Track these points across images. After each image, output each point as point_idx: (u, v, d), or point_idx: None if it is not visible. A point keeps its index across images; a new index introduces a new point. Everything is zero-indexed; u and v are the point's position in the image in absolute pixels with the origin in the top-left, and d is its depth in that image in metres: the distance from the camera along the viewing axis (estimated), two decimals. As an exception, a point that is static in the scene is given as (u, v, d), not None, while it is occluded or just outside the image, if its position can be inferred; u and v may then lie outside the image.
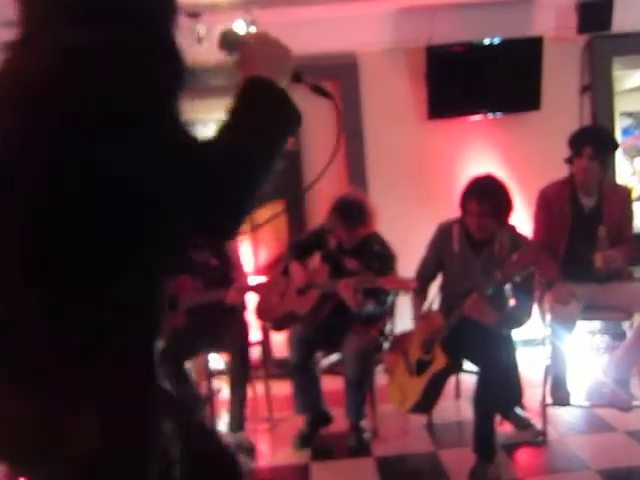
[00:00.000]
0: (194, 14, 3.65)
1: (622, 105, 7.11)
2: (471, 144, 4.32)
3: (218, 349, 3.28)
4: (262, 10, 3.62)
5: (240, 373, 3.08)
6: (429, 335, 2.73)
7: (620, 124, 7.97)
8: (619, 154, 4.80)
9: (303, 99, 4.31)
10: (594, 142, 2.95)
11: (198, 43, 3.69)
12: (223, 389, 3.54)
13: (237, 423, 3.02)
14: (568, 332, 2.90)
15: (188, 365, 3.08)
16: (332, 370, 3.27)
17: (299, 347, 3.04)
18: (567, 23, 4.00)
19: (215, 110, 4.24)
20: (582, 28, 3.96)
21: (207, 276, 3.17)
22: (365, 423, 3.03)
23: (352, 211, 2.98)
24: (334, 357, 3.25)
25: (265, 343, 3.53)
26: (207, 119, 4.25)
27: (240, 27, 3.63)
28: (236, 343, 3.11)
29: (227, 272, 3.24)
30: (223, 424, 3.14)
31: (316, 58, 3.99)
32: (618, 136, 5.10)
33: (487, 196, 2.65)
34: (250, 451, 2.99)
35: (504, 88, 4.14)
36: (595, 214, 3.03)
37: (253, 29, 3.63)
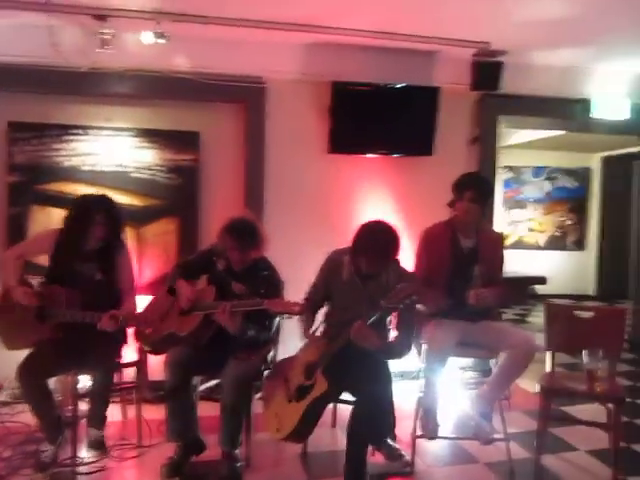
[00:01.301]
0: (100, 16, 3.52)
1: (504, 159, 7.79)
2: (367, 180, 4.50)
3: (85, 368, 3.04)
4: (172, 23, 3.56)
5: (101, 390, 3.02)
6: (312, 361, 2.76)
7: (501, 176, 8.71)
8: (498, 204, 5.20)
9: (202, 114, 4.37)
10: (475, 187, 3.21)
11: (102, 47, 3.55)
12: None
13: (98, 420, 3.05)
14: (441, 367, 3.06)
15: (53, 384, 2.89)
16: (209, 396, 3.18)
17: (176, 370, 2.93)
18: (462, 79, 4.31)
19: (118, 117, 4.11)
20: (475, 85, 4.30)
21: (89, 291, 2.98)
22: (239, 452, 2.96)
23: (245, 232, 2.98)
24: (213, 382, 3.18)
25: (141, 364, 3.37)
26: (101, 127, 4.09)
27: (147, 38, 3.55)
28: (103, 361, 2.98)
29: (112, 289, 3.10)
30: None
31: (224, 78, 4.01)
32: (499, 187, 5.53)
33: (377, 247, 2.73)
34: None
35: (402, 131, 4.36)
36: (472, 254, 3.26)
37: (162, 41, 3.57)
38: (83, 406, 3.15)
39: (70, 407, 3.06)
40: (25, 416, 3.58)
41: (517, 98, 4.60)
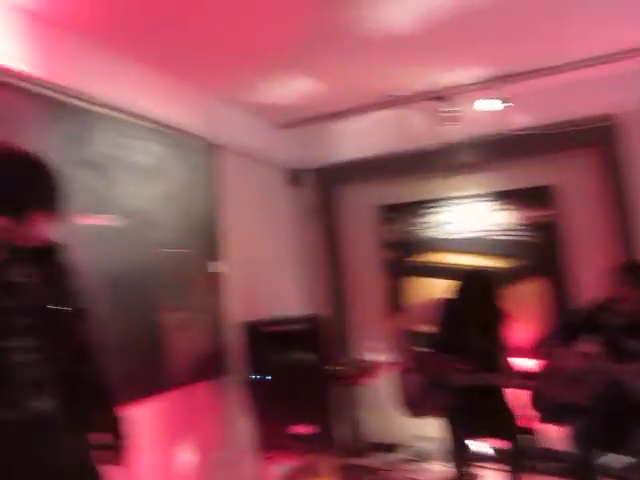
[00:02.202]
0: (441, 97, 3.84)
1: None
2: None
3: (487, 433, 3.14)
4: (507, 84, 3.63)
5: (517, 463, 2.95)
6: None
7: None
8: None
9: (551, 167, 4.06)
10: None
11: (446, 124, 3.84)
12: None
13: None
14: None
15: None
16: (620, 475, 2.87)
17: (582, 442, 2.73)
18: None
19: (469, 185, 4.33)
20: None
21: (476, 359, 3.08)
22: None
23: None
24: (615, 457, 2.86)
25: (534, 431, 3.25)
26: (456, 196, 4.34)
27: (489, 105, 3.68)
28: (509, 429, 2.97)
29: (496, 355, 3.14)
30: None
31: (568, 124, 3.80)
32: None
33: None
34: None
35: None
36: None
37: (500, 104, 3.66)
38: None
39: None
40: (429, 474, 3.83)
41: None
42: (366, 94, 3.82)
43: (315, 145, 4.65)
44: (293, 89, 3.61)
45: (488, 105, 3.71)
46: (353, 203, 4.74)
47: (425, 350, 3.30)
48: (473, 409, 2.97)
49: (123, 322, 2.69)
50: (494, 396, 3.04)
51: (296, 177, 4.75)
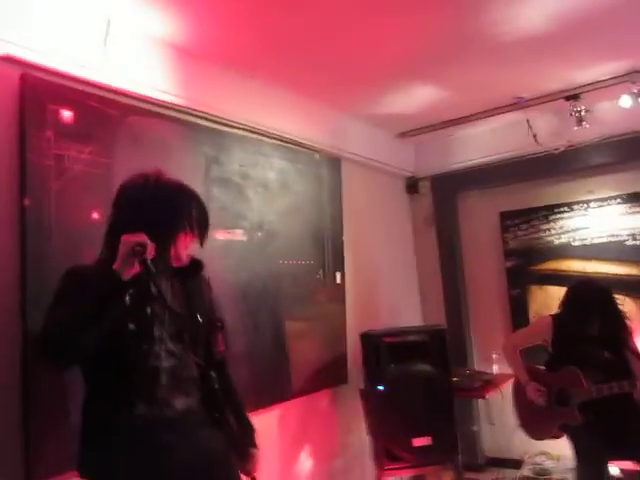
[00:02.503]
0: (573, 96, 3.59)
1: None
2: None
3: (623, 454, 2.87)
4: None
5: None
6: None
7: None
8: None
9: None
10: None
11: (578, 125, 3.60)
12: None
13: None
14: None
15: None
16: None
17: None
18: None
19: (600, 187, 4.02)
20: None
21: (597, 368, 2.90)
22: None
23: None
24: None
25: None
26: (585, 200, 4.05)
27: (626, 102, 3.40)
28: None
29: (624, 365, 2.90)
30: None
31: None
32: None
33: None
34: None
35: None
36: None
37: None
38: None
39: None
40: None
41: None
42: (492, 98, 3.67)
43: (434, 152, 4.54)
44: (416, 98, 3.54)
45: (628, 101, 3.40)
46: (473, 210, 4.58)
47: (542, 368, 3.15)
48: (604, 427, 2.77)
49: (251, 331, 2.79)
50: (628, 412, 2.78)
51: (414, 185, 4.68)
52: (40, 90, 2.00)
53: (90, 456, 1.59)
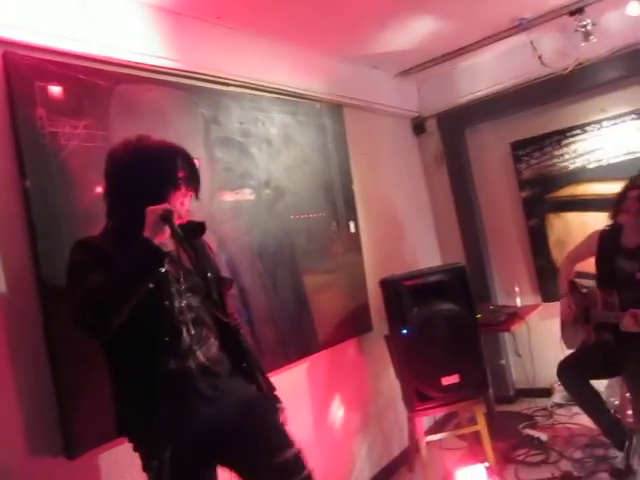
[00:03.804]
0: (576, 10, 3.42)
1: None
2: None
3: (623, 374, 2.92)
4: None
5: None
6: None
7: None
8: None
9: None
10: None
11: (585, 40, 3.44)
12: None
13: None
14: None
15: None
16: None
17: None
18: None
19: (614, 104, 3.88)
20: None
21: (626, 289, 2.87)
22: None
23: None
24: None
25: None
26: (598, 120, 3.92)
27: (634, 9, 3.23)
28: None
29: None
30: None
31: None
32: None
33: None
34: None
35: None
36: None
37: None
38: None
39: (629, 412, 2.98)
40: (583, 418, 3.69)
41: None
42: (492, 23, 3.52)
43: (437, 89, 4.40)
44: (413, 32, 3.39)
45: (636, 9, 3.24)
46: (483, 143, 4.47)
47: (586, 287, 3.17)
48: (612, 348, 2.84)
49: (271, 290, 2.78)
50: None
51: (420, 125, 4.57)
52: (25, 68, 1.94)
53: (131, 417, 1.66)
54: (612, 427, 2.97)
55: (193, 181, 1.73)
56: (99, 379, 1.79)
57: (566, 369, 3.04)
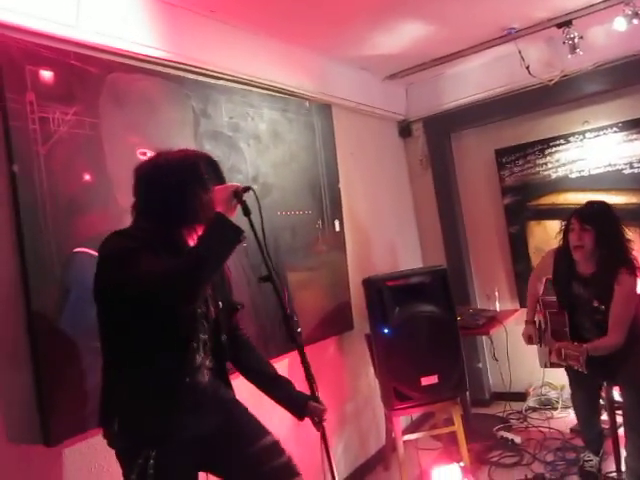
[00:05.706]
0: (564, 23, 3.49)
1: None
2: None
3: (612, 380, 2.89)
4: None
5: (633, 414, 2.67)
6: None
7: None
8: None
9: None
10: None
11: (572, 52, 3.50)
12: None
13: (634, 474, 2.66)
14: None
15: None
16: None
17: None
18: None
19: (596, 117, 3.96)
20: None
21: (585, 316, 2.81)
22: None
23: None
24: None
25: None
26: (581, 131, 4.00)
27: (620, 24, 3.30)
28: (632, 377, 2.72)
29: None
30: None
31: None
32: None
33: None
34: None
35: None
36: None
37: (636, 21, 3.26)
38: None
39: (608, 418, 3.01)
40: (556, 422, 3.76)
41: None
42: (481, 32, 3.57)
43: (425, 93, 4.45)
44: (403, 36, 3.42)
45: (623, 24, 3.30)
46: (468, 149, 4.53)
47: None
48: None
49: (254, 284, 2.79)
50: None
51: (407, 128, 4.61)
52: (16, 51, 1.92)
53: (124, 415, 1.65)
54: (595, 437, 3.02)
55: (219, 179, 1.79)
56: (78, 368, 1.78)
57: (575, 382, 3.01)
